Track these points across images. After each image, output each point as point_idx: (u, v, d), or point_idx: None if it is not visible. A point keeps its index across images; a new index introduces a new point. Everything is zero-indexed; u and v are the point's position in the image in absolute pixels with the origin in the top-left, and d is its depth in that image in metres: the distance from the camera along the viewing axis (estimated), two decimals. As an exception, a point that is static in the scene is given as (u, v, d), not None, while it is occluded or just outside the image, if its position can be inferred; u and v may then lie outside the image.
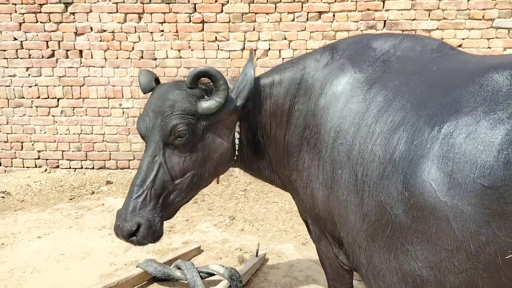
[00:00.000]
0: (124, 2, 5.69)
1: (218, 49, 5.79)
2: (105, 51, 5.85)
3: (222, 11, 5.67)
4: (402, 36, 1.99)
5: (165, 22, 5.74)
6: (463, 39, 5.58)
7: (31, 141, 6.11)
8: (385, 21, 5.61)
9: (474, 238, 1.24)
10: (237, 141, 2.24)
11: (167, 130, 2.02)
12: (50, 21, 5.77)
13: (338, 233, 1.90)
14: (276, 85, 2.20)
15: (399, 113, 1.54)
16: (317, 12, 5.62)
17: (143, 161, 2.08)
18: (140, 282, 3.28)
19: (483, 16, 5.49)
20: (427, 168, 1.34)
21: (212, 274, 3.19)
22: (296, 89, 2.13)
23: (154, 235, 2.04)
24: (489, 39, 5.55)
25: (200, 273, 3.14)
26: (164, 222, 2.15)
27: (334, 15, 5.62)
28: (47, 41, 5.84)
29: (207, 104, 2.04)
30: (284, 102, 2.17)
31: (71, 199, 5.22)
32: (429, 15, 5.55)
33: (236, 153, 2.28)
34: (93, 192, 5.46)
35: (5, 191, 5.36)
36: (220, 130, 2.15)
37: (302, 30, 5.69)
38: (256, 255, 3.56)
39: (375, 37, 2.05)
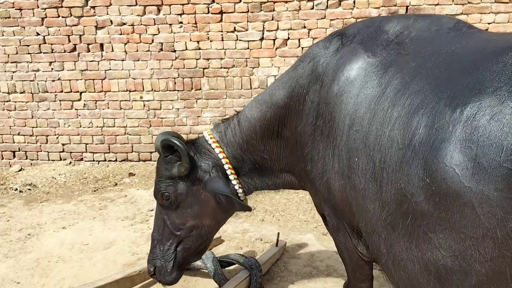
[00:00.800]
0: (142, -6, 5.72)
1: (237, 39, 5.75)
2: (125, 44, 5.89)
3: (240, 1, 5.62)
4: (416, 16, 1.90)
5: (183, 13, 5.73)
6: (489, 23, 5.38)
7: (55, 135, 6.24)
8: (407, 6, 5.45)
9: (501, 225, 1.18)
10: (237, 187, 2.36)
11: (156, 193, 2.38)
12: (71, 15, 5.84)
13: (356, 223, 1.85)
14: (278, 92, 2.19)
15: (417, 95, 1.47)
16: (337, -1, 5.51)
17: (155, 218, 2.52)
18: (162, 271, 3.31)
19: (511, -2, 5.28)
20: (450, 152, 1.28)
21: (232, 264, 3.20)
22: (305, 81, 2.08)
23: (165, 277, 2.49)
24: (517, 22, 5.34)
25: (221, 263, 3.16)
26: None
27: (354, 2, 5.50)
28: (68, 36, 5.92)
29: (176, 169, 2.26)
30: (291, 99, 2.14)
31: (94, 191, 5.31)
32: (453, -1, 5.38)
33: (242, 195, 2.40)
34: (116, 184, 5.55)
35: (31, 184, 5.50)
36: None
37: (322, 18, 5.59)
38: (276, 245, 3.55)
39: (387, 19, 1.96)
